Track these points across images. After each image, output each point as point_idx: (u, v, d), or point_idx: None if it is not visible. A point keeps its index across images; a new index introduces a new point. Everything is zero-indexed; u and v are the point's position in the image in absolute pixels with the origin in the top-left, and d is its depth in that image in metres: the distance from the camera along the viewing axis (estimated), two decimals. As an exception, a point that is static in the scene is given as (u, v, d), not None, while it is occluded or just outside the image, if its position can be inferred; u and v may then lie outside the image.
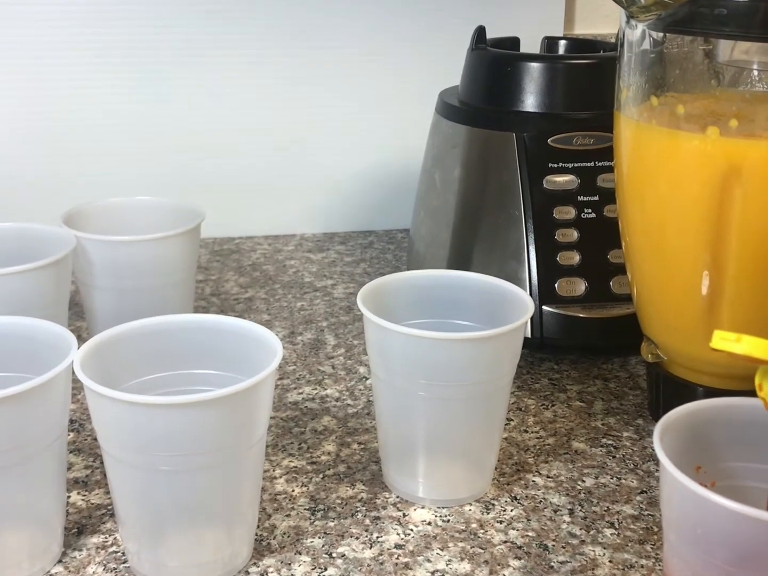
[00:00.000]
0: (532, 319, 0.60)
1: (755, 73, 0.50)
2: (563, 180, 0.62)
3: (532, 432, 0.55)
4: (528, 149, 0.62)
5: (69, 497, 0.48)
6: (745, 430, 0.38)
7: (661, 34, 0.49)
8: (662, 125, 0.48)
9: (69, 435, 0.53)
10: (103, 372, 0.40)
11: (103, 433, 0.40)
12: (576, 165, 0.62)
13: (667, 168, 0.49)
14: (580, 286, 0.61)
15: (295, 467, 0.51)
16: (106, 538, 0.45)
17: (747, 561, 0.32)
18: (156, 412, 0.38)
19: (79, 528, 0.46)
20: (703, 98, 0.50)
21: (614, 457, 0.52)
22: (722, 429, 0.38)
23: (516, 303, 0.48)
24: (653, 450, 0.52)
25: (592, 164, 0.62)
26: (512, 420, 0.56)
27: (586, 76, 0.64)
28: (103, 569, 0.43)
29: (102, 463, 0.50)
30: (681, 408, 0.38)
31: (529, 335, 0.60)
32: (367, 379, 0.61)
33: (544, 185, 0.62)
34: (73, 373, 0.40)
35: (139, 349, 0.44)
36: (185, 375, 0.45)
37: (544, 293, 0.61)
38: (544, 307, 0.60)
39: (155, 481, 0.40)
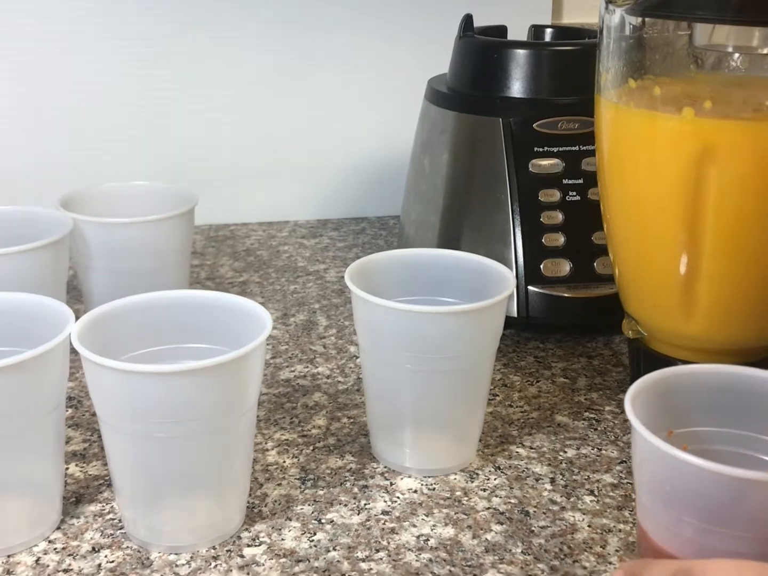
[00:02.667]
0: (518, 298, 0.62)
1: (732, 56, 0.51)
2: (548, 164, 0.64)
3: (516, 406, 0.56)
4: (514, 134, 0.64)
5: (67, 469, 0.49)
6: (715, 395, 0.40)
7: (639, 19, 0.50)
8: (640, 107, 0.50)
9: (68, 411, 0.55)
10: (99, 345, 0.42)
11: (100, 402, 0.42)
12: (561, 149, 0.64)
13: (645, 148, 0.50)
14: (564, 267, 0.62)
15: (287, 440, 0.53)
16: (103, 506, 0.47)
17: (714, 516, 0.34)
18: (150, 380, 0.39)
19: (77, 497, 0.48)
20: (680, 81, 0.51)
21: (596, 429, 0.54)
22: (693, 395, 0.40)
23: (499, 279, 0.50)
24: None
25: (576, 148, 0.64)
26: (497, 395, 0.57)
27: (570, 62, 0.65)
28: (101, 535, 0.45)
29: (99, 437, 0.52)
30: (652, 374, 0.39)
31: (515, 315, 0.62)
32: (357, 357, 0.62)
33: (530, 169, 0.63)
34: (72, 348, 0.42)
35: (134, 324, 0.46)
36: (178, 349, 0.46)
37: (530, 274, 0.62)
38: (529, 288, 0.62)
39: (150, 449, 0.42)
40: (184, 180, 0.75)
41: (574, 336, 0.65)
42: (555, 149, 0.64)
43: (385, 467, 0.50)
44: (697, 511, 0.34)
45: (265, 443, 0.52)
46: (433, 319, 0.46)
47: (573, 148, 0.64)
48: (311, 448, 0.52)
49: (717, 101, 0.48)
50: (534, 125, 0.64)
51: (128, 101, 0.84)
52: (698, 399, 0.40)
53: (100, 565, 0.42)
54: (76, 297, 0.69)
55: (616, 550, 0.43)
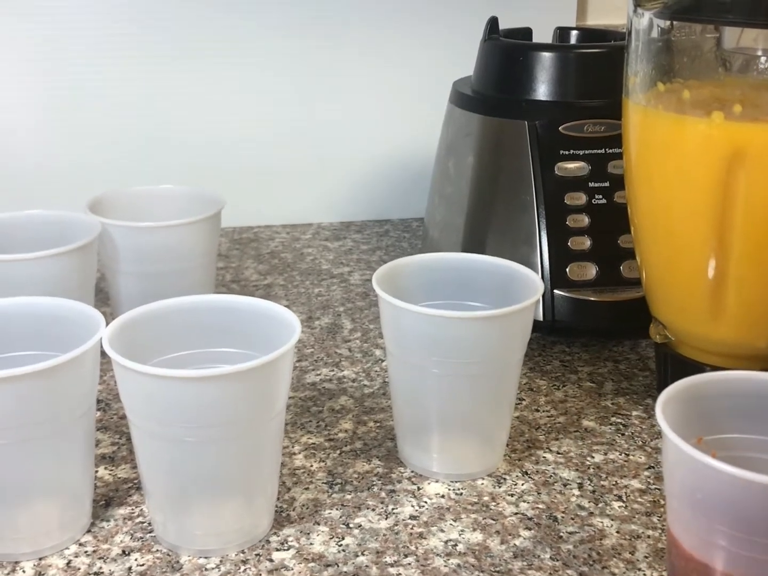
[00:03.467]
0: (544, 302, 0.62)
1: (761, 59, 0.51)
2: (574, 167, 0.63)
3: (543, 411, 0.56)
4: (540, 137, 0.64)
5: (97, 472, 0.50)
6: (745, 402, 0.40)
7: (667, 22, 0.50)
8: (668, 110, 0.50)
9: (96, 414, 0.55)
10: (130, 349, 0.42)
11: (131, 406, 0.42)
12: (587, 152, 0.63)
13: (674, 152, 0.50)
14: (591, 271, 0.62)
15: (314, 444, 0.53)
16: (132, 509, 0.47)
17: (745, 524, 0.34)
18: (182, 385, 0.40)
19: (106, 500, 0.48)
20: (709, 84, 0.51)
21: (623, 434, 0.53)
22: (723, 401, 0.40)
23: (526, 283, 0.49)
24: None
25: (602, 151, 0.64)
26: (524, 400, 0.57)
27: (596, 65, 0.65)
28: (130, 538, 0.45)
29: (127, 440, 0.52)
30: (683, 381, 0.39)
31: (541, 318, 0.62)
32: (382, 361, 0.62)
33: (556, 172, 0.63)
34: (101, 351, 0.42)
35: (164, 328, 0.46)
36: (208, 353, 0.47)
37: (556, 277, 0.62)
38: (555, 291, 0.62)
39: (181, 453, 0.42)
40: (209, 183, 0.75)
41: (600, 340, 0.65)
42: (581, 152, 0.64)
43: (412, 472, 0.50)
44: (728, 518, 0.34)
45: (292, 447, 0.52)
46: (460, 324, 0.46)
47: (599, 151, 0.64)
48: (338, 452, 0.52)
49: (747, 105, 0.48)
50: (560, 128, 0.63)
51: (155, 105, 0.84)
52: (728, 405, 0.40)
53: (130, 568, 0.43)
54: (103, 300, 0.69)
55: (645, 557, 0.43)
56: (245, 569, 0.43)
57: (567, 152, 0.64)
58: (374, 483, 0.49)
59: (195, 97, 0.85)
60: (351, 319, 0.69)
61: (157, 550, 0.44)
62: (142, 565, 0.43)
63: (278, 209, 0.90)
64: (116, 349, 0.41)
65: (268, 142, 0.88)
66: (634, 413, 0.56)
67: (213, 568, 0.43)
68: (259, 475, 0.44)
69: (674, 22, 0.50)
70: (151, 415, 0.41)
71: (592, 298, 0.62)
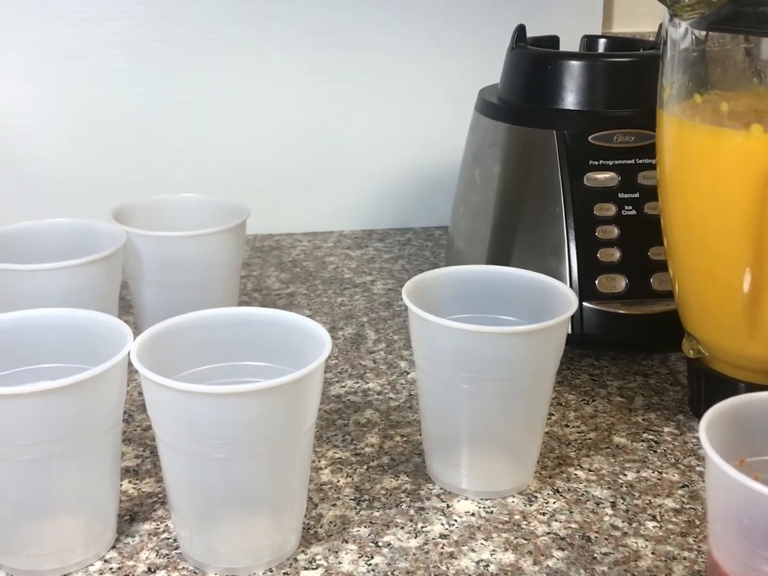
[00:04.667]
0: (572, 315, 0.61)
1: (799, 70, 0.50)
2: (604, 177, 0.62)
3: (573, 426, 0.55)
4: (569, 147, 0.63)
5: (121, 485, 0.49)
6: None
7: (703, 33, 0.49)
8: (705, 122, 0.49)
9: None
10: (158, 363, 0.41)
11: (158, 422, 0.42)
12: (616, 162, 0.63)
13: (710, 165, 0.49)
14: (620, 283, 0.61)
15: (340, 458, 0.52)
16: (158, 525, 0.46)
17: (793, 552, 0.33)
18: (211, 401, 0.39)
19: (131, 515, 0.47)
20: (747, 96, 0.50)
21: (655, 451, 0.52)
22: (765, 422, 0.39)
23: (559, 298, 0.49)
24: (694, 445, 0.53)
25: (632, 162, 0.63)
26: (553, 415, 0.56)
27: (626, 74, 0.64)
28: (156, 555, 0.44)
29: (152, 452, 0.52)
30: (726, 401, 0.38)
31: (569, 331, 0.61)
32: (408, 373, 0.62)
33: (585, 182, 0.62)
34: (129, 364, 0.42)
35: (192, 341, 0.45)
36: (236, 366, 0.46)
37: (585, 290, 0.61)
38: (584, 304, 0.61)
39: (208, 469, 0.41)
40: (231, 190, 0.75)
41: (630, 353, 0.64)
42: (610, 162, 0.63)
43: (441, 489, 0.49)
44: (775, 545, 0.33)
45: (318, 461, 0.52)
46: (494, 339, 0.45)
47: (629, 162, 0.63)
48: (365, 467, 0.51)
49: (786, 117, 0.47)
50: (589, 138, 0.63)
51: (178, 113, 0.84)
52: (773, 427, 0.39)
53: (156, 586, 0.42)
54: (125, 308, 0.69)
55: (682, 580, 0.42)
56: (273, 588, 0.42)
57: (596, 162, 0.63)
58: (403, 500, 0.48)
59: (218, 105, 0.84)
60: (375, 330, 0.68)
61: (183, 568, 0.43)
62: (169, 583, 0.42)
63: (300, 217, 0.89)
64: (144, 363, 0.40)
65: (290, 149, 0.87)
66: (666, 429, 0.55)
67: (241, 587, 0.42)
68: (287, 492, 0.43)
69: (710, 33, 0.49)
70: (179, 430, 0.41)
71: (622, 311, 0.61)
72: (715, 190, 0.49)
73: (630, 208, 0.62)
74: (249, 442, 0.40)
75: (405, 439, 0.54)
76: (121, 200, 0.64)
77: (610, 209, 0.62)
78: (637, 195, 0.62)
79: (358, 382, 0.61)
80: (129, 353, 0.42)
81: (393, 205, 0.91)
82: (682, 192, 0.51)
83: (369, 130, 0.88)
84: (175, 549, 0.44)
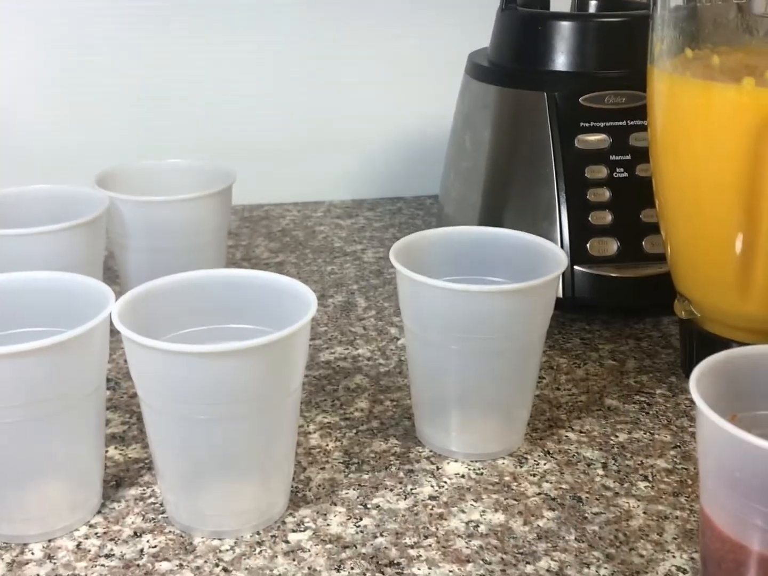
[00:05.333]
0: (563, 279, 0.60)
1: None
2: (595, 139, 0.61)
3: (564, 389, 0.55)
4: (559, 108, 0.62)
5: (107, 452, 0.48)
6: (781, 377, 0.38)
7: (695, -14, 0.48)
8: (696, 77, 0.48)
9: (106, 393, 0.54)
10: (140, 325, 0.40)
11: (142, 384, 0.41)
12: (608, 124, 0.62)
13: (702, 121, 0.48)
14: (612, 246, 0.60)
15: (329, 423, 0.51)
16: (144, 490, 0.46)
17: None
18: (194, 361, 0.38)
19: (117, 481, 0.47)
20: (739, 51, 0.49)
21: (647, 413, 0.52)
22: (759, 377, 0.38)
23: (549, 258, 0.48)
24: (687, 406, 0.52)
25: (624, 123, 0.62)
26: (544, 378, 0.56)
27: (617, 34, 0.63)
28: (142, 519, 0.44)
29: (138, 419, 0.51)
30: (717, 355, 0.38)
31: (560, 295, 0.60)
32: (398, 339, 0.61)
33: (576, 145, 0.61)
34: (111, 327, 0.41)
35: (175, 304, 0.45)
36: (221, 329, 0.45)
37: (576, 253, 0.60)
38: (575, 267, 0.60)
39: (194, 431, 0.40)
40: (219, 159, 0.74)
41: (621, 317, 0.63)
42: (602, 124, 0.62)
43: (431, 451, 0.49)
44: (767, 498, 0.33)
45: (307, 426, 0.51)
46: (483, 298, 0.44)
47: (620, 123, 0.62)
48: (354, 431, 0.51)
49: (779, 71, 0.46)
50: (580, 99, 0.62)
51: (166, 79, 0.83)
52: (763, 381, 0.38)
53: (142, 550, 0.41)
54: (111, 278, 0.68)
55: (674, 538, 0.42)
56: (261, 551, 0.41)
57: (587, 124, 0.62)
58: (392, 463, 0.48)
59: (206, 73, 0.83)
60: (365, 297, 0.68)
61: (170, 532, 0.43)
62: (155, 546, 0.42)
63: (289, 187, 0.88)
64: (126, 325, 0.40)
65: (279, 118, 0.86)
66: (658, 391, 0.54)
67: (227, 550, 0.41)
68: (274, 455, 0.43)
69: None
70: (162, 392, 0.40)
71: (614, 275, 0.60)
72: (707, 146, 0.48)
73: (621, 170, 0.61)
74: (233, 403, 0.39)
75: (395, 403, 0.53)
76: (105, 167, 0.63)
77: (601, 172, 0.61)
78: (628, 157, 0.62)
79: (347, 349, 0.60)
80: (111, 314, 0.41)
81: (383, 175, 0.90)
82: (673, 150, 0.51)
83: (359, 99, 0.87)
84: (162, 513, 0.44)
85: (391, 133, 0.89)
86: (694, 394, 0.35)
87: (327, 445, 0.49)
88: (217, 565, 0.40)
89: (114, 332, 0.42)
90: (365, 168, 0.89)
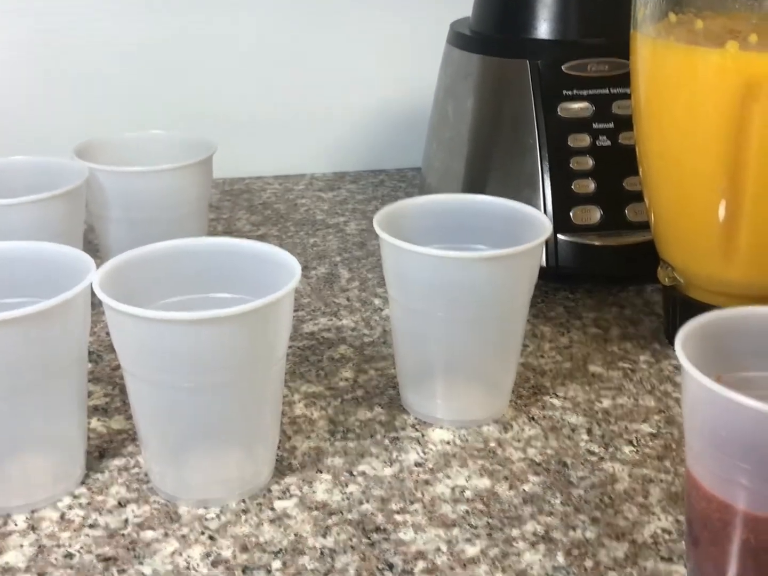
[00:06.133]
0: (547, 248, 0.60)
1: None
2: (578, 107, 0.61)
3: (548, 357, 0.55)
4: (542, 76, 0.62)
5: (89, 424, 0.48)
6: (765, 338, 0.38)
7: (679, -51, 0.48)
8: (680, 41, 0.48)
9: (88, 365, 0.53)
10: (122, 294, 0.40)
11: (124, 352, 0.41)
12: (591, 92, 0.61)
13: (685, 86, 0.48)
14: (595, 215, 0.60)
15: (314, 392, 0.51)
16: (128, 460, 0.45)
17: (769, 462, 0.32)
18: (177, 328, 0.38)
19: (100, 452, 0.46)
20: (723, 15, 0.49)
21: (631, 379, 0.52)
22: (744, 338, 0.38)
23: (533, 224, 0.48)
24: (671, 372, 0.53)
25: (606, 91, 0.61)
26: (528, 346, 0.56)
27: (600, 1, 0.63)
28: (126, 489, 0.43)
29: (121, 391, 0.51)
30: (703, 316, 0.38)
31: (544, 264, 0.60)
32: (382, 310, 0.61)
33: (559, 113, 0.61)
34: (93, 299, 0.40)
35: (157, 273, 0.44)
36: (203, 299, 0.45)
37: (559, 222, 0.60)
38: (559, 236, 0.60)
39: (178, 400, 0.40)
40: (199, 132, 0.73)
41: (605, 286, 0.63)
42: (585, 92, 0.61)
43: (416, 419, 0.48)
44: (752, 456, 0.33)
45: (292, 396, 0.51)
46: (467, 264, 0.44)
47: (603, 91, 0.61)
48: (339, 400, 0.50)
49: (762, 35, 0.46)
50: (562, 67, 0.61)
51: (145, 49, 0.81)
52: (750, 342, 0.38)
53: (127, 519, 0.41)
54: (91, 252, 0.67)
55: (659, 501, 0.42)
56: (246, 518, 0.41)
57: (570, 92, 0.61)
58: (377, 431, 0.48)
59: (186, 44, 0.82)
60: (348, 269, 0.67)
61: (155, 501, 0.42)
62: (139, 516, 0.41)
63: (270, 160, 0.87)
64: (108, 293, 0.39)
65: (260, 91, 0.85)
66: (642, 358, 0.54)
67: (213, 518, 0.41)
68: (259, 423, 0.42)
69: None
70: (145, 361, 0.40)
71: (597, 243, 0.60)
72: (691, 111, 0.48)
73: (605, 138, 0.61)
74: (216, 371, 0.39)
75: (379, 372, 0.53)
76: (84, 138, 0.62)
77: (584, 140, 0.61)
78: (611, 125, 0.61)
79: (331, 320, 0.60)
80: (92, 284, 0.40)
81: (366, 147, 0.89)
82: (657, 115, 0.50)
83: (340, 70, 0.86)
84: (146, 483, 0.44)
85: (373, 106, 0.88)
86: (680, 354, 0.35)
87: (312, 414, 0.49)
88: (202, 533, 0.40)
89: (95, 305, 0.41)
90: (347, 141, 0.89)
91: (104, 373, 0.54)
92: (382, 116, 0.89)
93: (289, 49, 0.85)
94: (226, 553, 0.39)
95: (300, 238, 0.73)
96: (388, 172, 0.89)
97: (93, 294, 0.40)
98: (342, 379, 0.53)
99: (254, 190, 0.84)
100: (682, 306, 0.53)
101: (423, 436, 0.47)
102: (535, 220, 0.48)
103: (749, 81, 0.45)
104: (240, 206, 0.80)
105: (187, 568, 0.38)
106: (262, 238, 0.73)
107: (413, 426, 0.48)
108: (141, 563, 0.39)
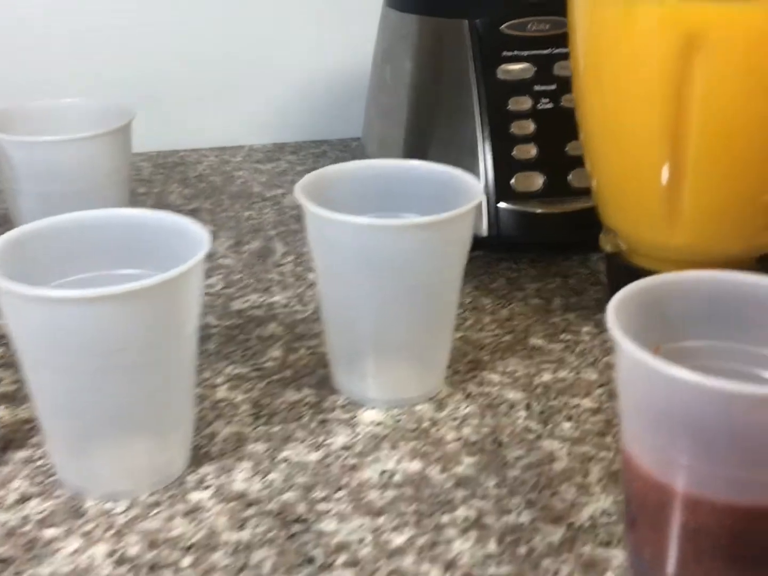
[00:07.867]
0: (488, 216, 0.58)
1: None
2: (518, 68, 0.58)
3: (487, 330, 0.52)
4: (481, 37, 0.59)
5: (-5, 412, 0.45)
6: (708, 305, 0.36)
7: None
8: (618, -8, 0.45)
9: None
10: (18, 272, 0.36)
11: (19, 335, 0.37)
12: (531, 53, 0.59)
13: (624, 42, 0.45)
14: (537, 181, 0.58)
15: (239, 374, 0.48)
16: (33, 451, 0.42)
17: (708, 438, 0.30)
18: (72, 307, 0.35)
19: (5, 443, 0.43)
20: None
21: (573, 351, 0.50)
22: (683, 305, 0.35)
23: (465, 189, 0.45)
24: (614, 343, 0.50)
25: (548, 51, 0.59)
26: (467, 319, 0.53)
27: (540, -44, 0.60)
28: (30, 483, 0.40)
29: (31, 376, 0.47)
30: (639, 282, 0.35)
31: (485, 234, 0.58)
32: (316, 285, 0.58)
33: (498, 75, 0.58)
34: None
35: (58, 248, 0.41)
36: (106, 276, 0.41)
37: (500, 189, 0.57)
38: (500, 204, 0.57)
39: (78, 384, 0.37)
40: (131, 103, 0.69)
41: (549, 255, 0.61)
42: (525, 53, 0.59)
43: (347, 399, 0.46)
44: (690, 433, 0.30)
45: (215, 378, 0.48)
46: (393, 233, 0.41)
47: (544, 52, 0.59)
48: (265, 382, 0.47)
49: (704, -16, 0.43)
50: (501, 27, 0.58)
51: (71, 18, 0.77)
52: (689, 310, 0.35)
53: (26, 516, 0.38)
54: (6, 228, 0.63)
55: (599, 479, 0.40)
56: (157, 512, 0.38)
57: (510, 53, 0.59)
58: (304, 413, 0.45)
59: (111, 9, 0.78)
60: (284, 243, 0.64)
61: (59, 496, 0.39)
62: (41, 512, 0.38)
63: (207, 131, 0.84)
64: (1, 271, 0.36)
65: (194, 59, 0.81)
66: (585, 329, 0.52)
67: (120, 513, 0.38)
68: (170, 408, 0.39)
69: None
70: (40, 343, 0.36)
71: (539, 210, 0.57)
72: (630, 66, 0.45)
73: (547, 101, 0.59)
74: (118, 352, 0.36)
75: (310, 351, 0.50)
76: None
77: (525, 103, 0.58)
78: (553, 87, 0.59)
79: (262, 296, 0.57)
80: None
81: (306, 117, 0.86)
82: (596, 76, 0.48)
83: (277, 36, 0.82)
84: (52, 477, 0.40)
85: (313, 74, 0.85)
86: (611, 324, 0.32)
87: (235, 398, 0.46)
88: (108, 530, 0.37)
89: None
90: (287, 110, 0.85)
91: (14, 359, 0.50)
92: (323, 85, 0.85)
93: (223, 15, 0.81)
94: (133, 551, 0.36)
95: (234, 211, 0.70)
96: (331, 142, 0.86)
97: None
98: (270, 359, 0.50)
99: (189, 162, 0.80)
100: (627, 274, 0.51)
101: (353, 417, 0.44)
102: (467, 185, 0.45)
103: (689, 33, 0.42)
104: (173, 179, 0.76)
105: (89, 568, 0.35)
106: (193, 212, 0.69)
107: (343, 407, 0.45)
108: (39, 564, 0.36)
